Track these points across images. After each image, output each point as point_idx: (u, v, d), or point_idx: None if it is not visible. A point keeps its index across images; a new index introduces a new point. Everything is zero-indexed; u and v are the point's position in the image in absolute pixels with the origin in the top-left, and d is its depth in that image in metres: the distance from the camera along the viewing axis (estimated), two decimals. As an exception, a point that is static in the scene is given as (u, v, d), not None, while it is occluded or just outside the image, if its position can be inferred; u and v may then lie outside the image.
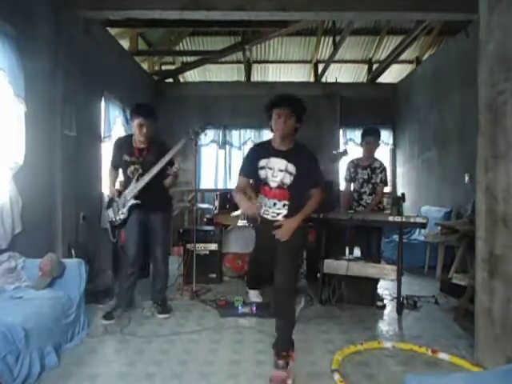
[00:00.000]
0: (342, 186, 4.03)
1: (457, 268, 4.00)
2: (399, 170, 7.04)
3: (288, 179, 2.42)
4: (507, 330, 2.09)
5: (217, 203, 4.77)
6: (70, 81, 3.68)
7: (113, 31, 5.09)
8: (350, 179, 3.78)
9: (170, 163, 2.99)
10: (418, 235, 5.14)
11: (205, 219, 5.38)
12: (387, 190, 3.86)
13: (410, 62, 6.89)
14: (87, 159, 4.08)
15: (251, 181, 2.59)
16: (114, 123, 4.63)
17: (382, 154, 6.66)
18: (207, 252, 4.08)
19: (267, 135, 7.08)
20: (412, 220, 3.23)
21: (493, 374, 1.62)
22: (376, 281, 3.41)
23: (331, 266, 3.37)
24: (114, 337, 2.71)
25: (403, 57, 6.49)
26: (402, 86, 6.92)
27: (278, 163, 2.43)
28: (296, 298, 3.08)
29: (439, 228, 4.57)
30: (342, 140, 7.02)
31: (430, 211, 5.13)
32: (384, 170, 3.68)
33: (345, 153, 4.95)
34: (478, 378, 1.62)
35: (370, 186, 3.67)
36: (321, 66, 7.04)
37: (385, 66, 6.62)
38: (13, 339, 1.94)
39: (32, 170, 3.11)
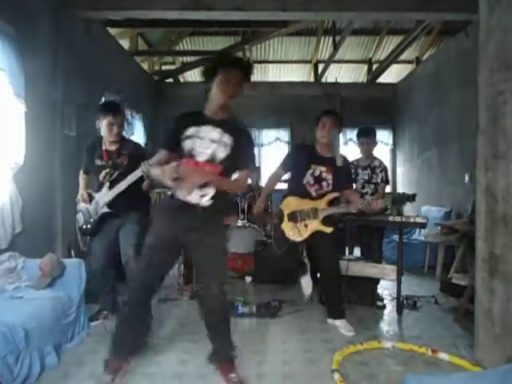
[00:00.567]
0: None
1: (457, 268, 4.00)
2: (399, 170, 7.04)
3: (222, 152, 2.03)
4: (507, 329, 2.09)
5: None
6: (70, 81, 3.68)
7: (113, 31, 5.10)
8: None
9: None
10: (418, 235, 5.13)
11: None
12: (387, 189, 3.85)
13: (409, 62, 6.89)
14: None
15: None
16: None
17: (382, 153, 6.67)
18: (207, 252, 4.05)
19: (267, 135, 7.09)
20: (412, 220, 3.22)
21: (493, 373, 1.62)
22: (376, 281, 3.41)
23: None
24: (114, 337, 2.70)
25: (403, 57, 6.49)
26: (401, 86, 6.92)
27: (211, 132, 2.05)
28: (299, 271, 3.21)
29: (439, 228, 4.57)
30: (341, 140, 7.02)
31: (430, 211, 5.12)
32: (384, 168, 3.67)
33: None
34: (478, 378, 1.62)
35: (372, 186, 3.65)
36: (321, 66, 7.05)
37: (385, 66, 6.62)
38: (13, 339, 1.94)
39: (32, 169, 3.11)
